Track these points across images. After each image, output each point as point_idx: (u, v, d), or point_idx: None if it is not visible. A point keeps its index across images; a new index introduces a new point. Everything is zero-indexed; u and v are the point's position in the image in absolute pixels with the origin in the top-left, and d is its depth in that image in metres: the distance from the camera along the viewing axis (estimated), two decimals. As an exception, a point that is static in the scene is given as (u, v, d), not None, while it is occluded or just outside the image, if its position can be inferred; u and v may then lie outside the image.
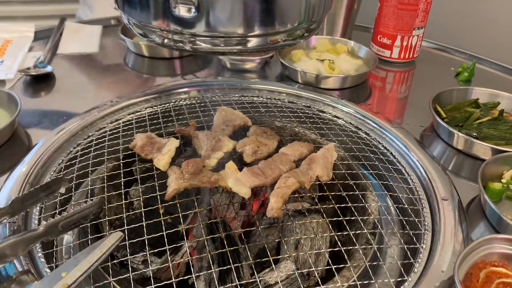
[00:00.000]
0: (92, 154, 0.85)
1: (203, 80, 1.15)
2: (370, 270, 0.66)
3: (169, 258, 0.70)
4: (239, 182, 0.73)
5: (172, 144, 0.81)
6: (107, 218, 0.71)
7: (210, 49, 0.59)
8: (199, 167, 0.76)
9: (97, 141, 0.90)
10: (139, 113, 1.02)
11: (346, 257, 0.67)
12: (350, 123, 1.02)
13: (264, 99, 1.10)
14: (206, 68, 1.26)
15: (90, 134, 0.94)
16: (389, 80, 1.25)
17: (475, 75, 1.24)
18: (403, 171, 0.88)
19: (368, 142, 0.95)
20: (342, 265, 0.67)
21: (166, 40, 0.60)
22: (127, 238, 0.67)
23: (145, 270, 0.69)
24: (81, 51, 1.31)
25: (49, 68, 1.16)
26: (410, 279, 0.66)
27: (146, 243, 0.67)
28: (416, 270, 0.67)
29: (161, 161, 0.78)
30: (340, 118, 1.04)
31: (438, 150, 0.95)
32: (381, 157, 0.90)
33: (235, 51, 0.59)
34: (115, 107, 1.01)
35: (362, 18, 1.48)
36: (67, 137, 0.91)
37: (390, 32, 1.27)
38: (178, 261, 0.76)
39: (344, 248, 0.68)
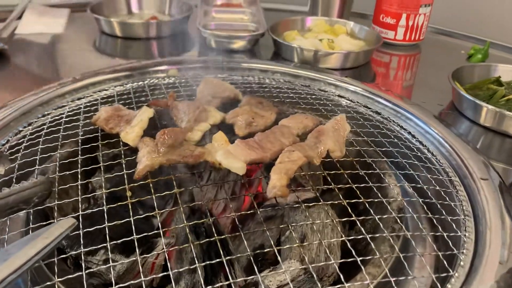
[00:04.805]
0: (44, 133, 0.69)
1: (183, 59, 0.99)
2: (405, 263, 0.50)
3: (138, 256, 0.52)
4: (231, 155, 0.57)
5: (145, 113, 0.64)
6: (56, 203, 0.54)
7: None
8: (179, 139, 0.59)
9: (53, 120, 0.74)
10: (106, 92, 0.85)
11: (373, 246, 0.51)
12: (357, 102, 0.87)
13: (256, 79, 0.94)
14: (187, 50, 1.10)
15: (46, 112, 0.77)
16: (393, 65, 1.11)
17: (489, 58, 1.11)
18: (426, 150, 0.73)
19: (381, 120, 0.80)
20: (369, 257, 0.50)
21: None
22: (81, 227, 0.50)
23: (102, 268, 0.52)
24: (43, 32, 1.14)
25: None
26: (456, 274, 0.50)
27: (107, 234, 0.50)
28: (462, 263, 0.52)
29: (130, 134, 0.62)
30: (345, 98, 0.88)
31: (461, 129, 0.81)
32: (398, 135, 0.75)
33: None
34: (78, 84, 0.84)
35: (357, 6, 1.36)
36: (16, 114, 0.74)
37: (394, 10, 1.14)
38: (152, 261, 0.58)
39: (370, 235, 0.52)
